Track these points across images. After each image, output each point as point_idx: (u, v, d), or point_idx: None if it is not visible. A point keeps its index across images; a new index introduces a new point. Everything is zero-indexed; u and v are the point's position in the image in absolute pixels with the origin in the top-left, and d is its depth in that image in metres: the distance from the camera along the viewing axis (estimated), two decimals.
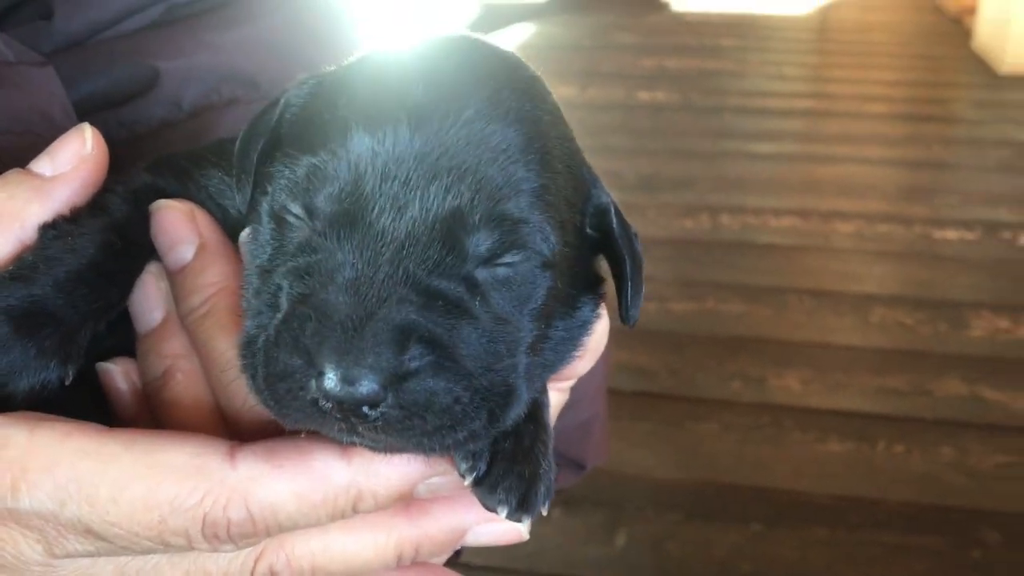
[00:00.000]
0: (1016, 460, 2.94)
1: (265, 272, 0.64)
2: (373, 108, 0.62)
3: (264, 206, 0.65)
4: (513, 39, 7.72)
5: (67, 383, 0.64)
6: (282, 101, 0.69)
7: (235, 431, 0.64)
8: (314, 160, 0.62)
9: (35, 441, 0.58)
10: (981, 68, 7.15)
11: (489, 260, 0.61)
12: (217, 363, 0.67)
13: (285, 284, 0.61)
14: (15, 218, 0.67)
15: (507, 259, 0.62)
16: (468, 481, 0.62)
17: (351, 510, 0.61)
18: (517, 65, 0.68)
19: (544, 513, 0.64)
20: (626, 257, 0.70)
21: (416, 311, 0.57)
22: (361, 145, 0.60)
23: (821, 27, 8.75)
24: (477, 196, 0.60)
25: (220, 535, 0.59)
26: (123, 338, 0.70)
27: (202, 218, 0.71)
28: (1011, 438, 3.04)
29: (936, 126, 6.04)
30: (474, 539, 0.68)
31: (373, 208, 0.59)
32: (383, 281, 0.57)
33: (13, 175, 0.68)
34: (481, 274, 0.61)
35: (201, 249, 0.70)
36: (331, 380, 0.54)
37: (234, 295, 0.68)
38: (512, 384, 0.62)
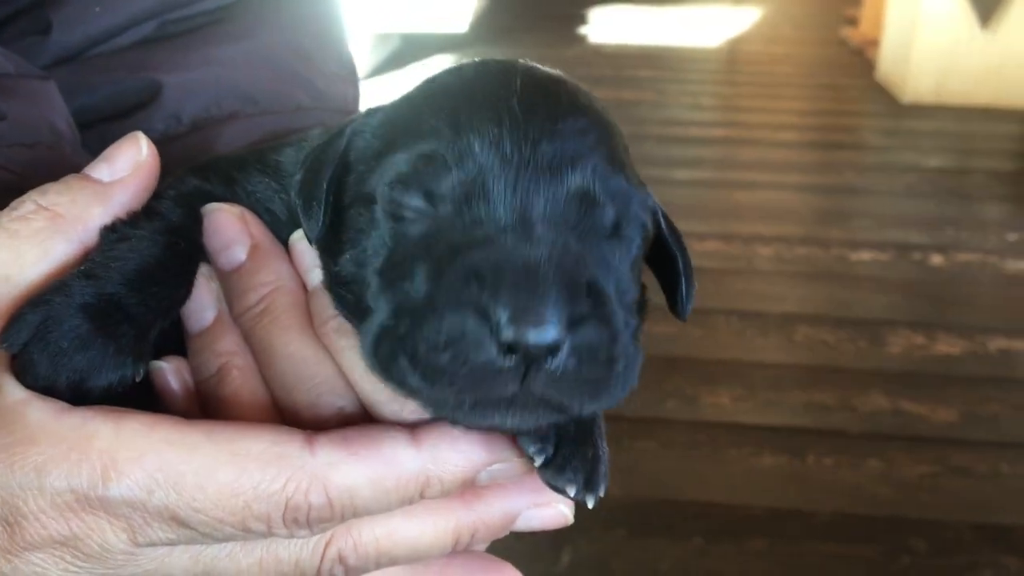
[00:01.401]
0: (938, 470, 3.06)
1: (390, 268, 0.64)
2: (480, 106, 0.65)
3: (375, 213, 0.65)
4: (434, 70, 7.77)
5: (137, 380, 0.65)
6: (348, 131, 0.71)
7: (293, 426, 0.64)
8: (423, 150, 0.63)
9: (122, 432, 0.59)
10: (885, 98, 7.44)
11: (613, 232, 0.65)
12: (275, 358, 0.68)
13: (421, 269, 0.61)
14: (78, 221, 0.68)
15: (626, 232, 0.66)
16: (538, 463, 0.64)
17: (419, 496, 0.63)
18: (571, 79, 0.74)
19: (602, 495, 0.67)
20: (678, 254, 0.74)
21: (576, 259, 0.59)
22: (477, 133, 0.63)
23: (731, 59, 9.01)
24: (595, 176, 0.64)
25: (300, 520, 0.60)
26: (164, 338, 0.71)
27: (252, 220, 0.73)
28: (932, 449, 3.16)
29: (846, 153, 6.26)
30: (524, 524, 0.70)
31: (508, 186, 0.61)
32: (540, 239, 0.59)
33: (73, 180, 0.69)
34: (609, 245, 0.65)
35: (254, 250, 0.71)
36: (514, 329, 0.54)
37: (288, 294, 0.70)
38: (634, 347, 0.64)
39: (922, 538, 2.77)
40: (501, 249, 0.58)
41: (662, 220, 0.74)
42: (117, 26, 0.94)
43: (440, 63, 8.08)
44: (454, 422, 0.63)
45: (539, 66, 0.73)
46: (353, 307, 0.66)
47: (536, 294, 0.55)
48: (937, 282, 4.37)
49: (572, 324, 0.56)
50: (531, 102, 0.65)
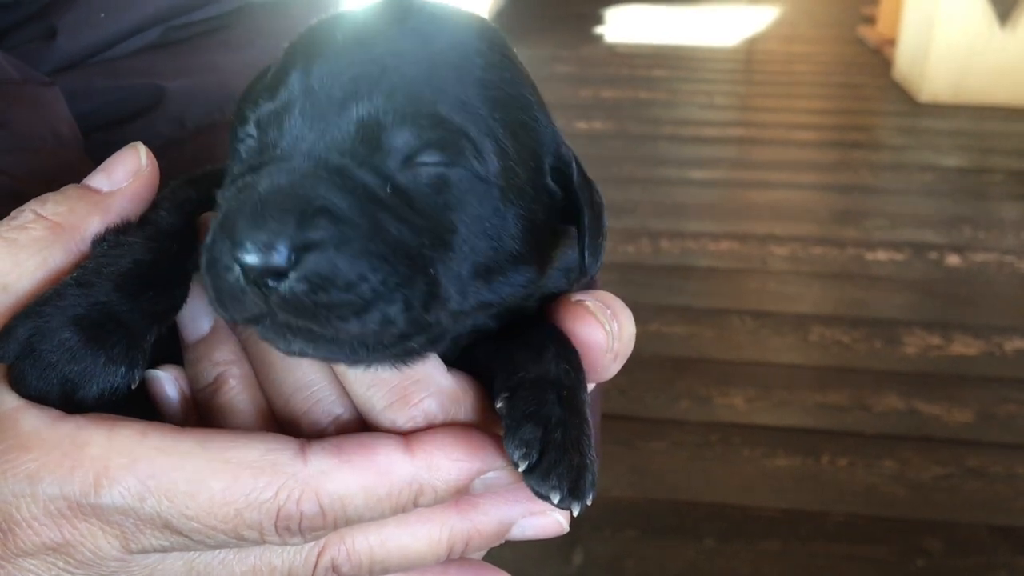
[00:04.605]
0: (953, 471, 3.05)
1: (226, 188, 0.67)
2: (319, 40, 0.67)
3: (234, 142, 0.69)
4: None
5: (133, 388, 0.65)
6: (269, 67, 0.73)
7: (291, 435, 0.64)
8: (264, 83, 0.68)
9: (114, 440, 0.60)
10: (902, 97, 7.39)
11: (409, 159, 0.63)
12: (273, 367, 0.68)
13: (229, 193, 0.64)
14: (77, 230, 0.68)
15: (427, 158, 0.63)
16: (522, 468, 0.63)
17: (412, 504, 0.63)
18: (482, 21, 0.72)
19: (588, 504, 0.66)
20: (584, 207, 0.71)
21: (324, 187, 0.59)
22: (297, 68, 0.65)
23: (747, 58, 8.97)
24: (398, 97, 0.63)
25: (292, 528, 0.61)
26: (159, 346, 0.71)
27: None
28: (947, 450, 3.15)
29: (862, 152, 6.23)
30: (519, 533, 0.69)
31: (296, 115, 0.64)
32: (293, 167, 0.61)
33: (71, 190, 0.70)
34: (404, 176, 0.63)
35: None
36: (240, 250, 0.57)
37: None
38: (434, 277, 0.62)
39: (937, 539, 2.76)
40: (259, 180, 0.60)
41: (574, 172, 0.72)
42: (121, 33, 0.94)
43: None
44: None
45: (448, 6, 0.71)
46: None
47: (259, 219, 0.57)
48: (953, 282, 4.34)
49: (302, 249, 0.57)
50: (365, 34, 0.66)
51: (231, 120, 0.93)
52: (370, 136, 0.62)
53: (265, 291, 0.58)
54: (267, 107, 0.65)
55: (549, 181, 0.72)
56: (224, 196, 0.66)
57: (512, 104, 0.69)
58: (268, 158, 0.64)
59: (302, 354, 0.63)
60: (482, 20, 0.72)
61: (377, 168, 0.62)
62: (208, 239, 0.61)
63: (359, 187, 0.61)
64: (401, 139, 0.63)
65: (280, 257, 0.56)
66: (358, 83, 0.63)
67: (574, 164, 0.72)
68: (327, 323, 0.59)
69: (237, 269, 0.58)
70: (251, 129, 0.67)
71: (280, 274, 0.57)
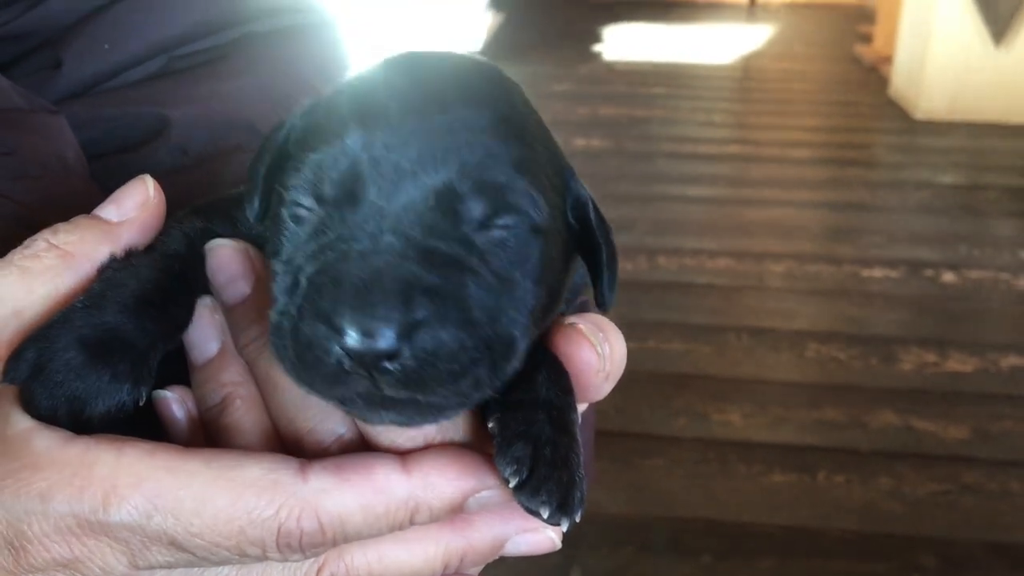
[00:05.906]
0: (949, 487, 3.06)
1: (286, 264, 0.68)
2: (364, 105, 0.68)
3: (282, 210, 0.69)
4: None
5: (140, 404, 0.67)
6: (288, 123, 0.74)
7: (296, 454, 0.66)
8: (316, 157, 0.67)
9: (123, 460, 0.62)
10: (898, 114, 7.42)
11: (483, 224, 0.66)
12: (278, 389, 0.70)
13: (306, 266, 0.65)
14: (87, 258, 0.70)
15: (500, 222, 0.66)
16: (512, 484, 0.65)
17: (408, 522, 0.65)
18: (493, 68, 0.75)
19: (577, 520, 0.67)
20: (603, 245, 0.74)
21: (417, 267, 0.61)
22: (355, 137, 0.66)
23: (744, 76, 9.01)
24: (463, 169, 0.65)
25: (292, 545, 0.63)
26: (167, 368, 0.73)
27: (255, 255, 0.75)
28: (943, 466, 3.16)
29: (858, 170, 6.25)
30: (513, 549, 0.71)
31: (370, 188, 0.65)
32: (386, 247, 0.62)
33: (82, 220, 0.72)
34: (478, 238, 0.66)
35: (258, 283, 0.73)
36: (350, 337, 0.59)
37: None
38: (514, 336, 0.66)
39: (933, 556, 2.78)
40: (349, 260, 0.62)
41: (591, 212, 0.75)
42: (124, 63, 0.97)
43: None
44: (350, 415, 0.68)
45: (457, 55, 0.75)
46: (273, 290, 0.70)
47: (366, 306, 0.59)
48: (949, 299, 4.36)
49: (409, 329, 0.60)
50: (413, 100, 0.68)
51: (233, 150, 0.96)
52: (448, 206, 0.65)
53: (376, 373, 0.60)
54: (328, 178, 0.66)
55: (570, 218, 0.75)
56: (288, 267, 0.67)
57: (548, 154, 0.73)
58: (347, 234, 0.64)
59: (390, 424, 0.66)
60: (497, 68, 0.76)
61: (455, 235, 0.65)
62: (287, 315, 0.64)
63: (446, 259, 0.63)
64: (477, 206, 0.65)
65: (390, 342, 0.59)
66: (424, 154, 0.65)
67: (591, 203, 0.76)
68: (431, 392, 0.62)
69: (339, 352, 0.60)
70: (302, 198, 0.67)
71: (392, 356, 0.59)
